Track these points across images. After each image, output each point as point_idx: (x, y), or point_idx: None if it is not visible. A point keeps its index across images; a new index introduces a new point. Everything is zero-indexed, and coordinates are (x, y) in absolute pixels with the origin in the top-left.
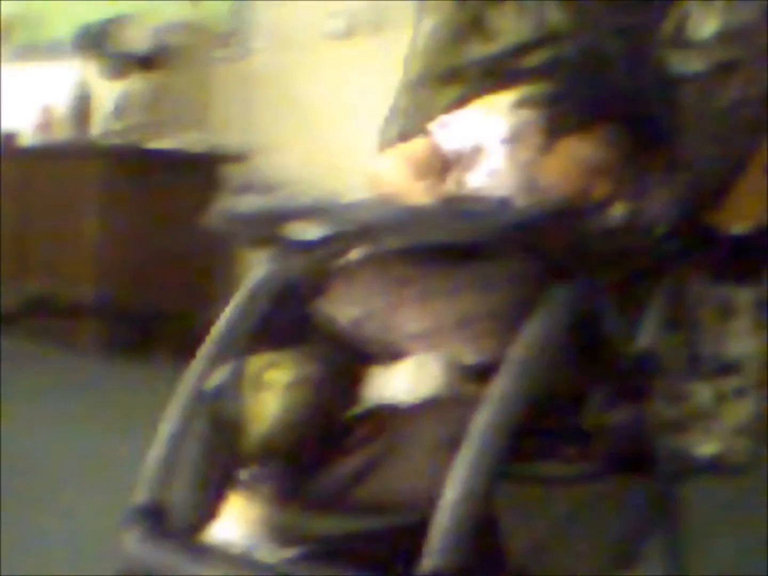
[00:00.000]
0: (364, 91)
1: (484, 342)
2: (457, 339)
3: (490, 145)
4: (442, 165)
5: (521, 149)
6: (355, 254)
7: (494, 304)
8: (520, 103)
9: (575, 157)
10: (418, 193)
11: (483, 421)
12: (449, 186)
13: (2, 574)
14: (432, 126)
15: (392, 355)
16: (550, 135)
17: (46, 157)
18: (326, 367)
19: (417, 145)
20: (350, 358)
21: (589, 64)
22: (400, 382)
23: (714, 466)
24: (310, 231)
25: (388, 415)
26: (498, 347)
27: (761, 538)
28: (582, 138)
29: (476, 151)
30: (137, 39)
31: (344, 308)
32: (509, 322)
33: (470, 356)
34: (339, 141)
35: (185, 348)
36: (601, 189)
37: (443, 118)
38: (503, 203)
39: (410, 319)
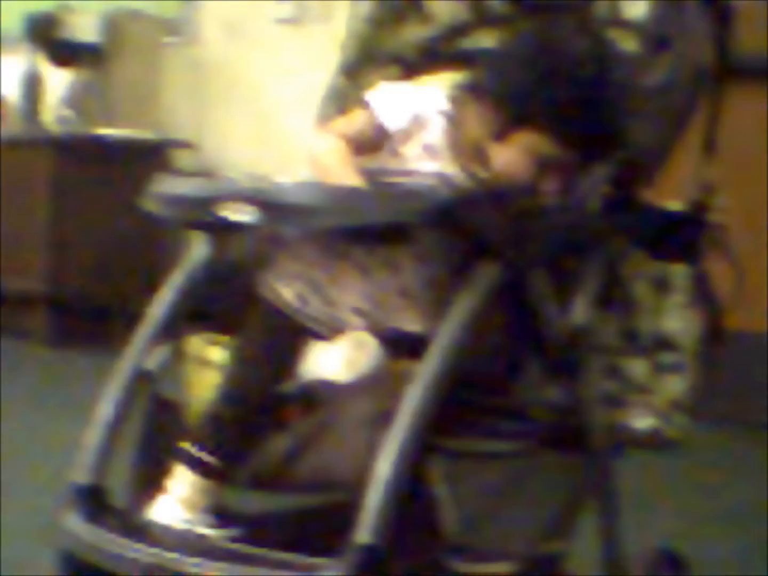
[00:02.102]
0: (312, 77)
1: (425, 312)
2: (398, 310)
3: (428, 117)
4: (380, 138)
5: (462, 129)
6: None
7: (433, 276)
8: (461, 88)
9: (528, 150)
10: (351, 173)
11: (412, 396)
12: (386, 159)
13: None
14: (370, 99)
15: (335, 330)
16: (505, 124)
17: None
18: (267, 343)
19: (355, 119)
20: (293, 334)
21: (529, 54)
22: (336, 358)
23: (651, 440)
24: (241, 213)
25: (323, 392)
26: (438, 318)
27: (699, 513)
28: (536, 134)
29: (414, 124)
30: (86, 27)
31: (288, 283)
32: (448, 293)
33: (411, 326)
34: (287, 125)
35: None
36: (549, 183)
37: (382, 91)
38: (436, 183)
39: (352, 292)
